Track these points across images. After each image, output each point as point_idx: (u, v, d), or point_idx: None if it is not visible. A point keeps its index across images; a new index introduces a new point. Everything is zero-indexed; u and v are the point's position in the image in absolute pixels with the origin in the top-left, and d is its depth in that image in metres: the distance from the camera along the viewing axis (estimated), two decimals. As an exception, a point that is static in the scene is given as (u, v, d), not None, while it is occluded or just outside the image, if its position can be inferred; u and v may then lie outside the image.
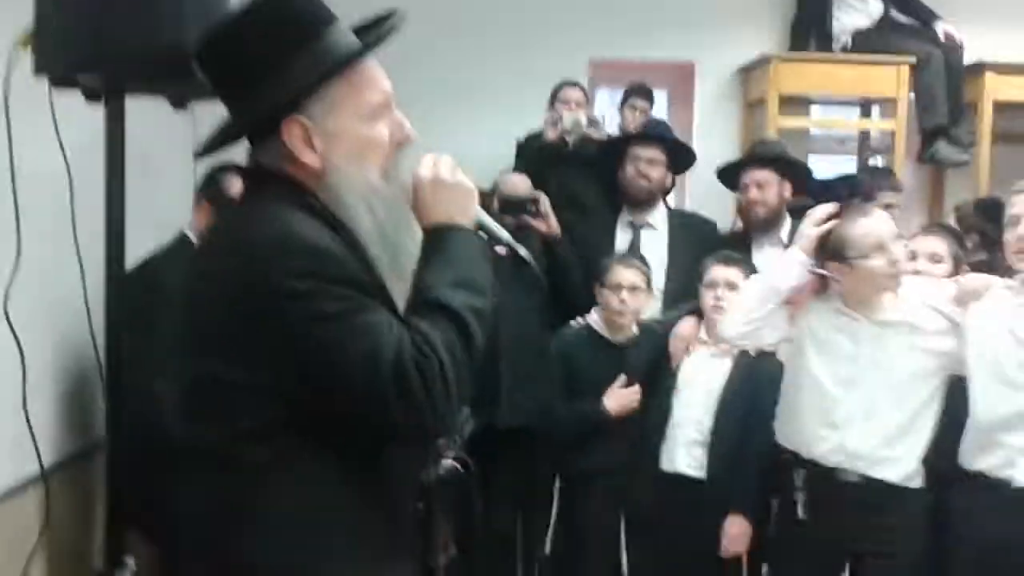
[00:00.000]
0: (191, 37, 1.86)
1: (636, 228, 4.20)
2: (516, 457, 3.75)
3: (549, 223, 4.04)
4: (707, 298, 3.39)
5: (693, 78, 5.67)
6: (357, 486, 1.51)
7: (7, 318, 2.23)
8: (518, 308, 3.72)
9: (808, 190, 4.20)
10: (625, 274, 3.60)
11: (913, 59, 5.10)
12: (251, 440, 1.46)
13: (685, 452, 3.35)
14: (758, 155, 4.23)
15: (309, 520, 1.47)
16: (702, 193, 5.32)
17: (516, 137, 4.92)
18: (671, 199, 5.20)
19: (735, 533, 3.26)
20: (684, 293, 3.76)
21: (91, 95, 2.12)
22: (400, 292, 1.53)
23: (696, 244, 3.94)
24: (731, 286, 3.31)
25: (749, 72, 5.49)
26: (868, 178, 4.79)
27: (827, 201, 3.14)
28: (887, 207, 3.68)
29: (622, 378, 3.55)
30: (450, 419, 1.50)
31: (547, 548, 3.64)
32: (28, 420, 2.30)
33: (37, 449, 2.30)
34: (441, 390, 1.42)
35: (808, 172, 4.32)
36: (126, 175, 2.15)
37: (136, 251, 2.74)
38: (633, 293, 3.59)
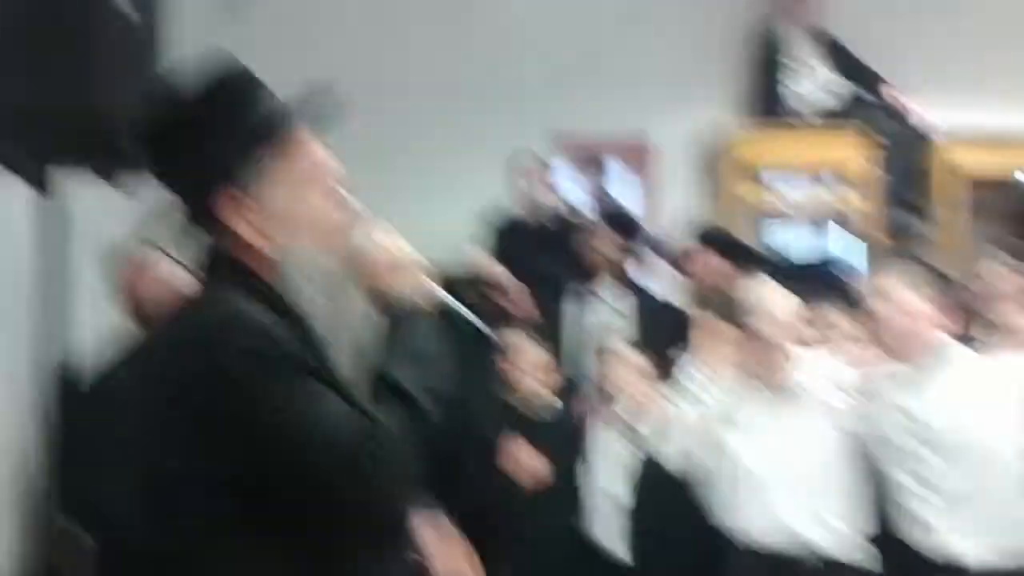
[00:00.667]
0: (120, 107, 1.77)
1: (585, 301, 4.31)
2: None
3: (517, 304, 4.07)
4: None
5: (649, 149, 5.64)
6: None
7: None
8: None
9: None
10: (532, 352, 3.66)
11: (879, 136, 5.12)
12: (206, 543, 1.38)
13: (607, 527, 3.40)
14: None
15: None
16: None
17: (478, 210, 4.86)
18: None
19: None
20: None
21: (13, 166, 2.00)
22: (345, 367, 1.49)
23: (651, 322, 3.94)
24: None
25: (706, 142, 5.47)
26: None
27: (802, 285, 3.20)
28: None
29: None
30: (404, 502, 1.43)
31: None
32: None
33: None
34: (395, 472, 1.36)
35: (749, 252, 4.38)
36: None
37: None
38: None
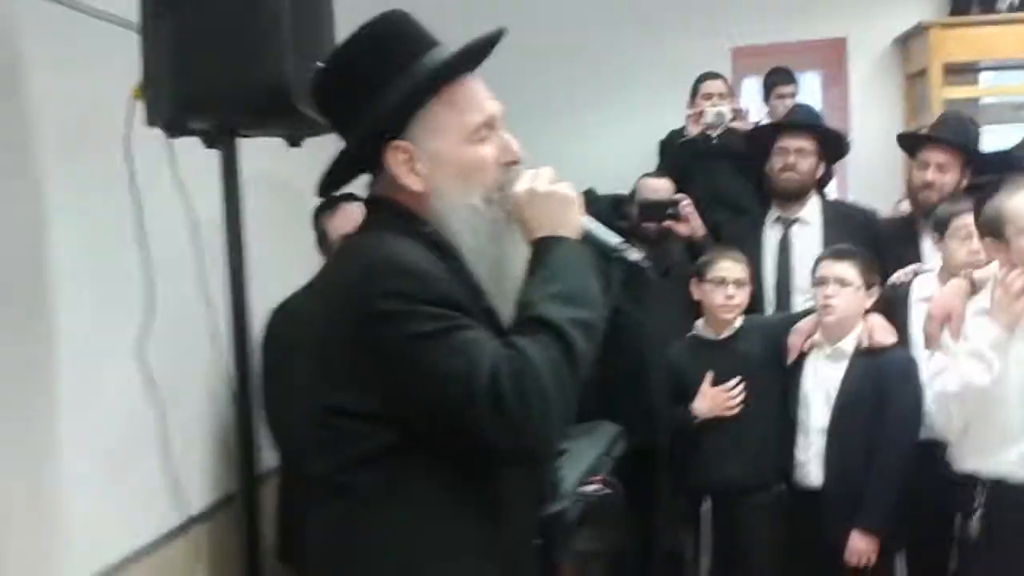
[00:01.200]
0: (298, 75, 1.84)
1: (786, 224, 3.90)
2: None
3: (692, 225, 3.88)
4: (817, 296, 3.18)
5: (845, 55, 5.35)
6: (471, 516, 1.48)
7: (142, 366, 2.25)
8: (666, 320, 3.56)
9: (987, 164, 3.79)
10: (730, 268, 3.38)
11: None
12: (363, 467, 1.46)
13: (817, 465, 3.15)
14: (942, 136, 3.69)
15: (421, 550, 1.46)
16: (864, 178, 5.04)
17: (659, 136, 4.77)
18: (831, 187, 4.94)
19: (860, 549, 3.03)
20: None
21: (207, 140, 2.12)
22: (506, 314, 1.51)
23: (853, 237, 3.59)
24: (842, 282, 3.10)
25: (907, 43, 5.14)
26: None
27: (1010, 175, 2.83)
28: None
29: (709, 376, 3.32)
30: (552, 438, 1.43)
31: (705, 568, 3.43)
32: (170, 469, 2.31)
33: (182, 497, 2.32)
34: (540, 408, 1.37)
35: (986, 158, 3.86)
36: (271, 214, 2.12)
37: (282, 290, 2.75)
38: (739, 287, 3.37)
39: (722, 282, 3.36)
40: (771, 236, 3.91)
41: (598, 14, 5.37)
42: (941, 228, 3.19)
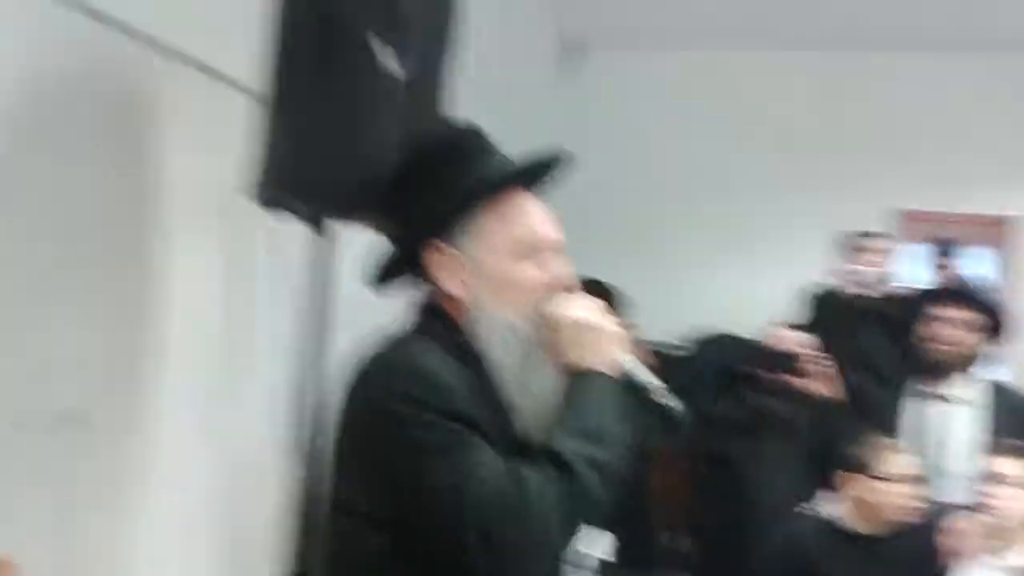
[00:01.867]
0: (383, 167, 1.90)
1: (928, 400, 3.51)
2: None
3: (819, 384, 3.67)
4: (979, 493, 2.83)
5: (1015, 233, 5.10)
6: None
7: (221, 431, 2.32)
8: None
9: None
10: (901, 463, 3.02)
11: None
12: (366, 564, 1.42)
13: None
14: None
15: None
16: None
17: (801, 285, 4.65)
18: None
19: None
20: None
21: (310, 223, 2.21)
22: (528, 432, 1.47)
23: (1015, 423, 3.26)
24: (1010, 482, 2.75)
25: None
26: None
27: None
28: None
29: None
30: (536, 572, 1.36)
31: None
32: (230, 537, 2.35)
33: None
34: (530, 541, 1.32)
35: None
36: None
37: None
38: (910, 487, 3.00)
39: (901, 480, 3.00)
40: (911, 410, 3.52)
41: (764, 154, 5.39)
42: None
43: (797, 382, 3.71)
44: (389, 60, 2.02)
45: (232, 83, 2.39)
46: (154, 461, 2.24)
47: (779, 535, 3.20)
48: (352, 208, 2.04)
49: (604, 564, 3.20)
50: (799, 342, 3.87)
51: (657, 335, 4.38)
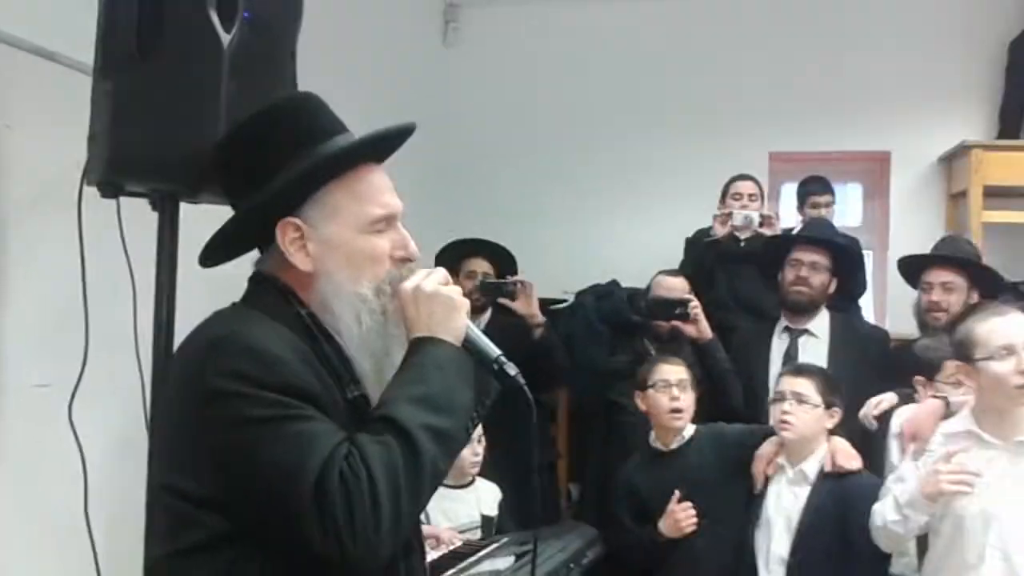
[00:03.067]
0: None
1: (793, 335, 3.82)
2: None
3: (700, 327, 3.78)
4: (774, 412, 3.06)
5: (889, 170, 5.24)
6: None
7: (72, 426, 2.22)
8: None
9: (994, 283, 3.67)
10: (672, 370, 3.29)
11: None
12: (195, 557, 1.37)
13: None
14: (944, 254, 3.76)
15: None
16: (900, 295, 4.86)
17: (685, 233, 4.70)
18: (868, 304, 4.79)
19: None
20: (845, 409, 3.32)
21: (151, 203, 2.11)
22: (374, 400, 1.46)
23: (860, 354, 3.52)
24: (800, 399, 3.00)
25: (950, 162, 5.00)
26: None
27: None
28: None
29: (675, 495, 3.18)
30: (381, 549, 1.31)
31: None
32: (89, 529, 2.26)
33: (97, 563, 2.26)
34: (368, 514, 1.28)
35: (999, 280, 3.77)
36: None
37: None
38: (683, 390, 3.27)
39: (666, 385, 3.27)
40: (777, 346, 3.83)
41: (639, 108, 5.38)
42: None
43: (686, 328, 3.77)
44: (229, 30, 1.92)
45: (70, 64, 2.27)
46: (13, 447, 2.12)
47: (618, 481, 3.41)
48: (196, 185, 1.95)
49: (488, 520, 3.24)
50: (682, 287, 3.96)
51: (546, 290, 4.38)
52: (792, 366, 3.22)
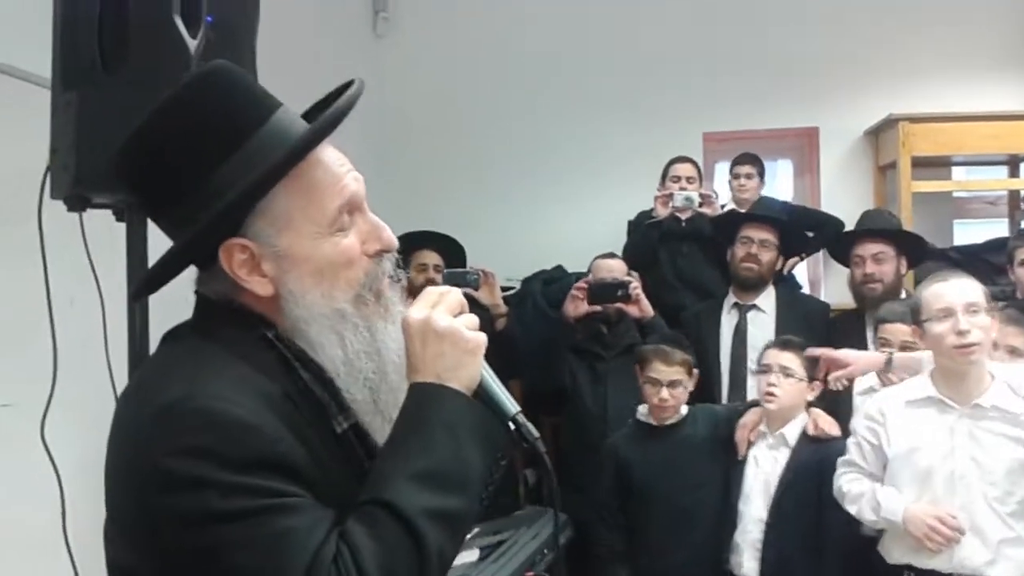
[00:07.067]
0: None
1: (742, 310, 3.95)
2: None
3: (641, 306, 3.87)
4: (760, 384, 3.20)
5: (817, 144, 5.36)
6: None
7: (44, 445, 2.17)
8: (626, 400, 3.62)
9: (924, 251, 3.90)
10: (663, 371, 3.34)
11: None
12: None
13: (751, 556, 3.12)
14: (869, 227, 3.90)
15: None
16: (834, 265, 5.01)
17: (630, 217, 4.77)
18: (805, 270, 4.94)
19: None
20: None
21: (116, 215, 2.07)
22: (383, 433, 1.21)
23: (804, 327, 3.65)
24: (785, 371, 3.13)
25: (878, 135, 5.14)
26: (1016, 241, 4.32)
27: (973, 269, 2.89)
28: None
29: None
30: None
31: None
32: (68, 547, 2.22)
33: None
34: None
35: (925, 246, 3.95)
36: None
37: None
38: (672, 388, 3.33)
39: (656, 383, 3.34)
40: (727, 321, 3.93)
41: (574, 94, 5.41)
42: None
43: (628, 308, 3.84)
44: (195, 36, 1.89)
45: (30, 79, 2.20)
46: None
47: (603, 452, 3.47)
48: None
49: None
50: (620, 269, 4.05)
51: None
52: (778, 340, 3.31)
